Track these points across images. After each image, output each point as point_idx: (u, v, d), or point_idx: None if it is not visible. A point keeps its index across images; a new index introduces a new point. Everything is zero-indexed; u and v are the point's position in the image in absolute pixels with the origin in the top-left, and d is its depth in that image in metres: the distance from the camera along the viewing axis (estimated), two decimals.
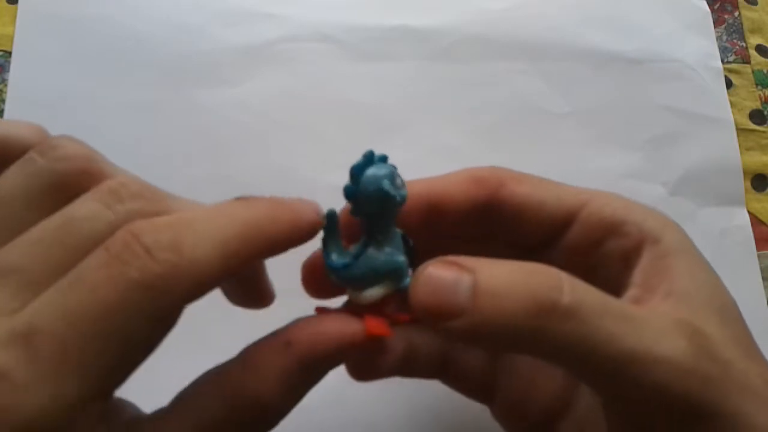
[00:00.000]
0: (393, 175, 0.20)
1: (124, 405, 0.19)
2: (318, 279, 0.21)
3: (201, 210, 0.18)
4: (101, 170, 0.19)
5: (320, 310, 0.20)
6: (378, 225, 0.20)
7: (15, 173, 0.18)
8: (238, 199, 0.18)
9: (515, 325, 0.17)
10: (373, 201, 0.19)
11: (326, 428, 0.29)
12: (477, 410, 0.28)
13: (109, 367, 0.15)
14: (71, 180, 0.18)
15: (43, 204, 0.18)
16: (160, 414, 0.18)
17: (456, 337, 0.18)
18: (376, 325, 0.20)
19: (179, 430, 0.17)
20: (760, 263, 0.35)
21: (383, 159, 0.20)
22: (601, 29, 0.39)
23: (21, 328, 0.15)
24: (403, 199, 0.20)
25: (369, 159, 0.19)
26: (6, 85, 0.33)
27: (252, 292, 0.23)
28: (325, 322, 0.19)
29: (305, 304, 0.21)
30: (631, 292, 0.21)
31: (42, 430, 0.15)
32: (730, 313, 0.20)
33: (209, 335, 0.26)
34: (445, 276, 0.18)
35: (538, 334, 0.17)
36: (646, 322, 0.18)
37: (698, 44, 0.39)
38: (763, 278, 0.35)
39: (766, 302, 0.34)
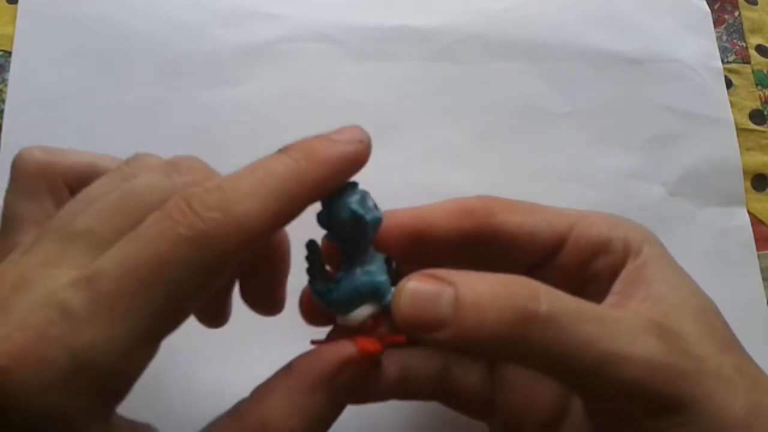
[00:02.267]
0: (364, 198, 0.20)
1: (146, 428, 0.20)
2: (315, 308, 0.22)
3: (244, 170, 0.19)
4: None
5: (315, 343, 0.21)
6: (356, 248, 0.21)
7: (105, 177, 0.20)
8: (280, 150, 0.19)
9: (497, 334, 0.18)
10: (347, 225, 0.20)
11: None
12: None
13: (159, 312, 0.17)
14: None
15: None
16: None
17: (440, 347, 0.19)
18: (366, 342, 0.20)
19: None
20: (760, 263, 0.35)
21: (353, 185, 0.21)
22: (601, 29, 0.39)
23: (88, 272, 0.17)
24: (377, 220, 0.21)
25: (342, 188, 0.20)
26: (6, 85, 0.33)
27: (216, 312, 0.25)
28: (322, 346, 0.20)
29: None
30: (610, 299, 0.22)
31: (95, 361, 0.16)
32: (704, 313, 0.21)
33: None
34: (426, 289, 0.19)
35: (519, 342, 0.18)
36: (619, 323, 0.19)
37: (698, 44, 0.39)
38: (763, 278, 0.35)
39: (766, 302, 0.34)
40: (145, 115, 0.33)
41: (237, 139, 0.34)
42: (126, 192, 0.19)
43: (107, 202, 0.19)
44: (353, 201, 0.20)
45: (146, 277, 0.16)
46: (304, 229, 0.21)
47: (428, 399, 0.25)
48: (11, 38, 0.34)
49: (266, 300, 0.24)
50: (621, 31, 0.39)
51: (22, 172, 0.22)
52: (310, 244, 0.21)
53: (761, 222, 0.36)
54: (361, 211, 0.20)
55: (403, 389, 0.23)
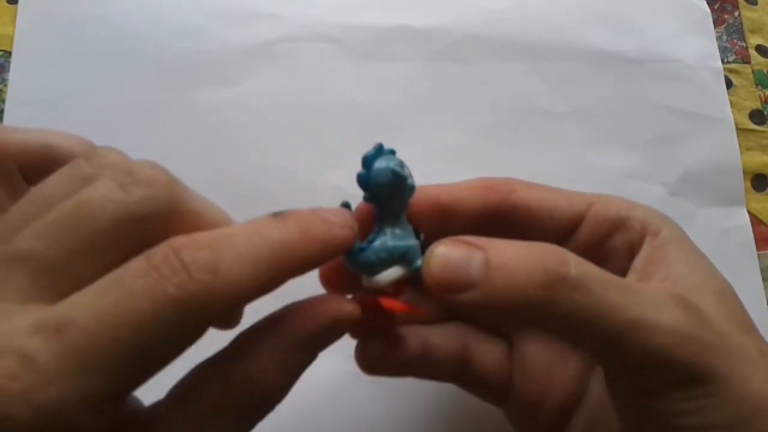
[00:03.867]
0: (402, 164, 0.21)
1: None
2: (335, 273, 0.22)
3: (237, 228, 0.18)
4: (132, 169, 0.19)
5: None
6: (390, 211, 0.21)
7: (60, 176, 0.18)
8: (274, 215, 0.18)
9: (526, 296, 0.18)
10: (385, 186, 0.20)
11: (326, 428, 0.29)
12: (476, 413, 0.28)
13: (131, 371, 0.16)
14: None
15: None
16: (158, 406, 0.18)
17: (469, 308, 0.19)
18: (389, 301, 0.21)
19: (177, 419, 0.17)
20: (760, 263, 0.35)
21: (392, 152, 0.21)
22: (601, 29, 0.39)
23: (54, 319, 0.16)
24: (413, 186, 0.21)
25: (379, 150, 0.21)
26: (6, 85, 0.33)
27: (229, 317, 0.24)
28: (317, 301, 0.20)
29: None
30: (631, 277, 0.22)
31: (57, 418, 0.15)
32: (723, 294, 0.21)
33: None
34: (457, 252, 0.19)
35: (548, 304, 0.18)
36: (645, 294, 0.20)
37: (698, 44, 0.39)
38: (763, 278, 0.35)
39: (766, 302, 0.34)
40: (145, 115, 0.33)
41: (237, 139, 0.34)
42: (78, 205, 0.17)
43: (56, 217, 0.17)
44: (394, 164, 0.20)
45: (124, 336, 0.15)
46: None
47: (446, 380, 0.25)
48: (11, 38, 0.34)
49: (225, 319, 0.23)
50: (621, 31, 0.39)
51: None
52: (346, 205, 0.21)
53: (761, 222, 0.36)
54: (403, 173, 0.20)
55: (423, 365, 0.24)
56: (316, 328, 0.19)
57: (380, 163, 0.20)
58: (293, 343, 0.19)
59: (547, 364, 0.25)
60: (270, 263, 0.17)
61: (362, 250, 0.21)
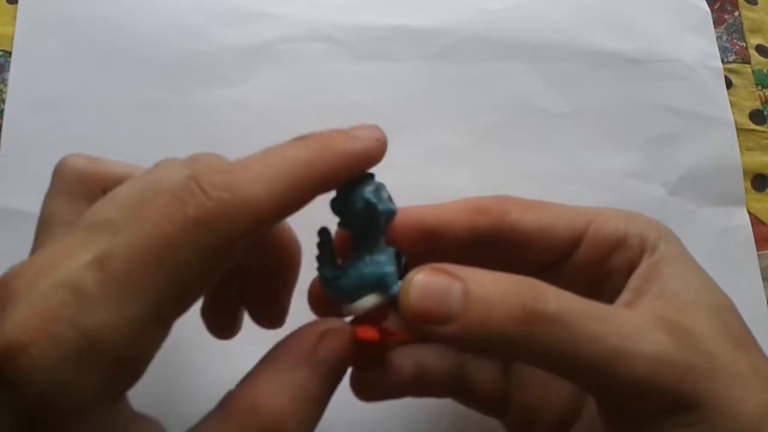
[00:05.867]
0: (379, 190, 0.20)
1: (150, 422, 0.19)
2: (322, 299, 0.22)
3: (257, 153, 0.19)
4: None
5: None
6: (366, 238, 0.21)
7: (131, 179, 0.21)
8: (296, 138, 0.19)
9: (504, 331, 0.18)
10: (359, 214, 0.20)
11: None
12: (474, 422, 0.28)
13: (167, 294, 0.17)
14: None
15: None
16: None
17: (445, 341, 0.19)
18: (365, 330, 0.20)
19: None
20: (760, 263, 0.35)
21: (370, 176, 0.21)
22: (601, 29, 0.39)
23: (100, 253, 0.17)
24: (390, 212, 0.21)
25: (353, 178, 0.20)
26: (6, 85, 0.33)
27: (227, 323, 0.25)
28: (303, 326, 0.20)
29: None
30: (624, 296, 0.22)
31: (106, 341, 0.16)
32: (718, 310, 0.21)
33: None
34: (436, 282, 0.19)
35: (525, 340, 0.19)
36: (627, 321, 0.19)
37: (698, 44, 0.39)
38: (763, 278, 0.35)
39: (766, 302, 0.34)
40: (145, 115, 0.34)
41: (237, 139, 0.34)
42: (146, 184, 0.20)
43: (128, 194, 0.20)
44: (368, 191, 0.20)
45: (153, 258, 0.17)
46: (316, 220, 0.21)
47: (443, 396, 0.25)
48: (11, 38, 0.34)
49: (270, 311, 0.24)
50: (621, 31, 0.39)
51: (62, 176, 0.23)
52: (322, 231, 0.21)
53: (761, 222, 0.36)
54: (374, 201, 0.20)
55: (419, 387, 0.24)
56: (302, 344, 0.19)
57: (355, 191, 0.20)
58: (287, 362, 0.19)
59: (544, 378, 0.24)
60: (288, 180, 0.18)
61: (338, 278, 0.20)
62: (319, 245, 0.21)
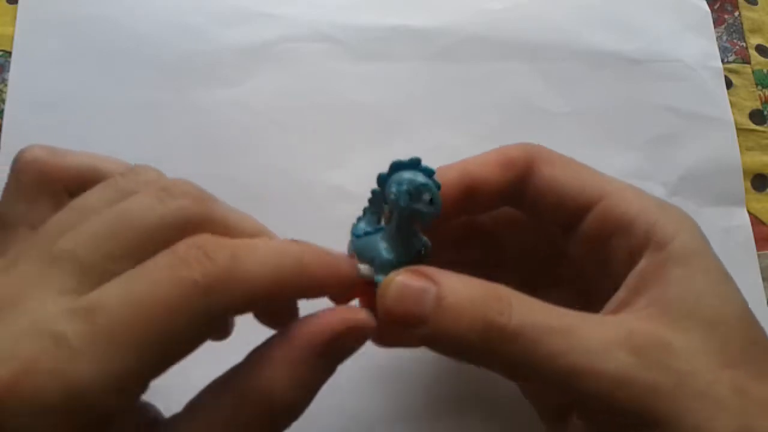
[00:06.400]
0: (420, 190, 0.20)
1: (148, 406, 0.20)
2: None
3: (259, 239, 0.19)
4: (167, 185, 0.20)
5: None
6: (397, 221, 0.21)
7: (99, 189, 0.20)
8: (292, 240, 0.20)
9: (467, 341, 0.19)
10: (390, 202, 0.21)
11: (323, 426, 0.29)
12: (469, 411, 0.28)
13: (155, 355, 0.17)
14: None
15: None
16: (175, 418, 0.19)
17: (419, 342, 0.20)
18: (361, 290, 0.21)
19: (198, 423, 0.18)
20: (760, 263, 0.35)
21: (428, 172, 0.21)
22: (601, 29, 0.39)
23: (85, 305, 0.17)
24: (425, 216, 0.21)
25: (413, 162, 0.21)
26: (6, 85, 0.33)
27: (221, 327, 0.24)
28: (327, 312, 0.20)
29: None
30: (621, 293, 0.22)
31: (88, 396, 0.16)
32: (716, 324, 0.20)
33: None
34: (414, 285, 0.20)
35: (486, 352, 0.19)
36: (593, 337, 0.19)
37: (698, 44, 0.39)
38: (763, 278, 0.35)
39: (766, 302, 0.34)
40: (145, 115, 0.33)
41: (237, 139, 0.34)
42: (118, 215, 0.18)
43: (97, 225, 0.18)
44: (405, 189, 0.20)
45: (152, 320, 0.16)
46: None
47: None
48: (11, 38, 0.34)
49: (277, 317, 0.23)
50: (621, 31, 0.39)
51: (22, 173, 0.22)
52: (374, 192, 0.22)
53: (761, 222, 0.36)
54: (404, 205, 0.20)
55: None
56: (326, 336, 0.19)
57: (396, 179, 0.21)
58: (304, 353, 0.19)
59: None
60: (286, 270, 0.18)
61: (358, 236, 0.22)
62: (370, 200, 0.22)
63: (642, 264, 0.22)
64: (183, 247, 0.17)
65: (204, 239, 0.18)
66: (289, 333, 0.19)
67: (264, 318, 0.23)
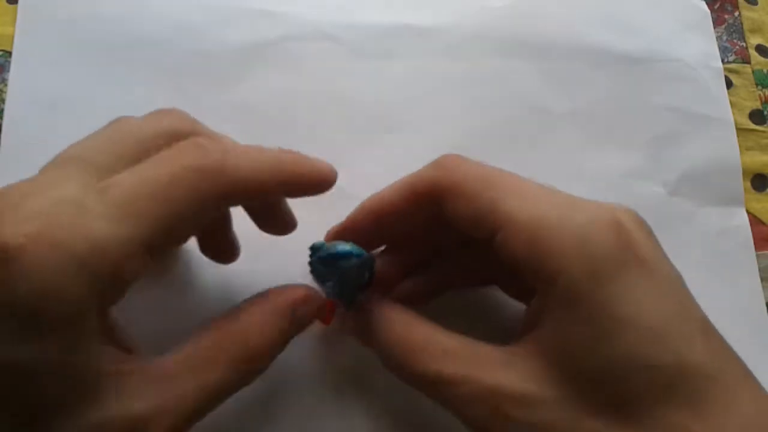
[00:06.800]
0: (344, 280, 0.26)
1: (127, 331, 0.22)
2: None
3: (245, 145, 0.23)
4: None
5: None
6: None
7: (99, 131, 0.24)
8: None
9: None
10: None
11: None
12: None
13: (162, 225, 0.19)
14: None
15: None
16: (162, 355, 0.21)
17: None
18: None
19: (177, 364, 0.21)
20: (759, 263, 0.35)
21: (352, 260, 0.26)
22: (602, 28, 0.39)
23: (102, 184, 0.19)
24: (349, 270, 0.26)
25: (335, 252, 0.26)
26: (6, 85, 0.33)
27: (223, 247, 0.28)
28: (290, 285, 0.24)
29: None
30: (521, 327, 0.24)
31: (105, 254, 0.18)
32: (588, 373, 0.20)
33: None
34: None
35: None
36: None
37: (698, 44, 0.39)
38: (762, 278, 0.35)
39: (765, 302, 0.34)
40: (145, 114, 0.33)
41: (238, 139, 0.33)
42: (115, 128, 0.22)
43: (100, 134, 0.22)
44: (330, 284, 0.26)
45: (157, 191, 0.19)
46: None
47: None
48: (11, 38, 0.34)
49: (222, 252, 0.28)
50: (622, 30, 0.39)
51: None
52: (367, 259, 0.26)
53: (761, 222, 0.36)
54: (332, 296, 0.26)
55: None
56: (290, 300, 0.23)
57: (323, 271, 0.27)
58: (275, 308, 0.23)
59: None
60: (269, 167, 0.22)
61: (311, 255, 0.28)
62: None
63: (535, 298, 0.23)
64: (183, 143, 0.21)
65: (200, 139, 0.21)
66: (266, 294, 0.24)
67: (260, 222, 0.27)
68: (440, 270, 0.29)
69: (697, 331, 0.20)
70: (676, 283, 0.22)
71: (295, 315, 0.23)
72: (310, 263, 0.27)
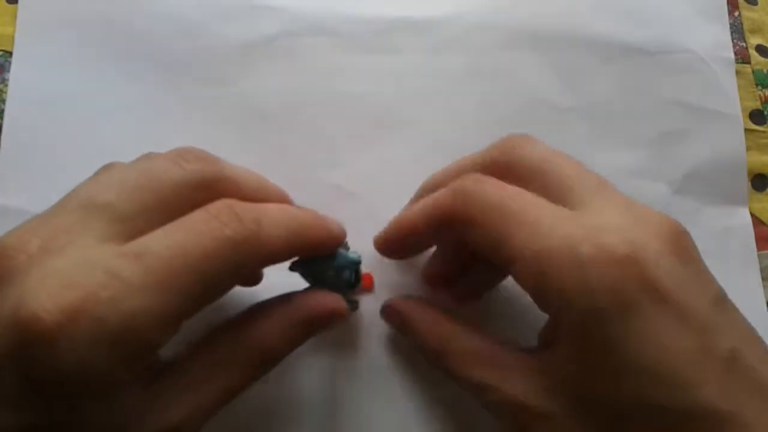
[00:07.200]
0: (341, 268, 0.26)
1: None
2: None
3: (273, 205, 0.23)
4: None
5: None
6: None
7: (121, 165, 0.23)
8: (296, 207, 0.24)
9: None
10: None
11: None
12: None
13: (194, 296, 0.19)
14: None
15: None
16: (178, 355, 0.22)
17: None
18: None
19: (193, 365, 0.21)
20: (760, 263, 0.35)
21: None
22: (610, 17, 0.37)
23: (133, 249, 0.19)
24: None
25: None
26: (6, 85, 0.33)
27: (250, 280, 0.28)
28: (321, 293, 0.25)
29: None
30: (540, 335, 0.25)
31: (140, 327, 0.18)
32: (583, 400, 0.21)
33: None
34: None
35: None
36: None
37: (711, 33, 0.38)
38: (763, 278, 0.35)
39: (765, 302, 0.34)
40: (145, 113, 0.33)
41: (238, 136, 0.33)
42: (142, 172, 0.21)
43: (126, 180, 0.21)
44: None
45: (192, 263, 0.19)
46: None
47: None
48: (11, 38, 0.34)
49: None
50: (630, 19, 0.38)
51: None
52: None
53: (761, 222, 0.36)
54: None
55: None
56: (316, 312, 0.23)
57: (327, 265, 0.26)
58: (298, 318, 0.23)
59: None
60: (295, 233, 0.22)
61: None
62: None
63: (547, 322, 0.24)
64: (216, 206, 0.20)
65: (232, 202, 0.21)
66: (290, 300, 0.24)
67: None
68: (484, 269, 0.29)
69: (716, 367, 0.19)
70: (701, 313, 0.20)
71: (314, 326, 0.24)
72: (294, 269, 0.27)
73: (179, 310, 0.19)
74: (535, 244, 0.21)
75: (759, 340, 0.22)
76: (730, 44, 0.39)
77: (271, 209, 0.22)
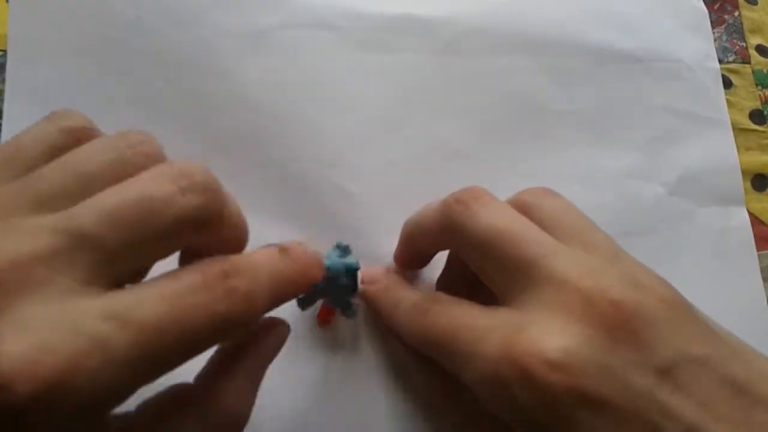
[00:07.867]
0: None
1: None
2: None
3: (260, 258, 0.21)
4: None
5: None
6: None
7: (98, 152, 0.20)
8: (280, 248, 0.22)
9: None
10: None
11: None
12: None
13: (174, 365, 0.18)
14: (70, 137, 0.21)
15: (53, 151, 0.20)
16: (134, 418, 0.20)
17: None
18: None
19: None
20: (760, 263, 0.35)
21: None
22: (604, 26, 0.38)
23: (121, 311, 0.17)
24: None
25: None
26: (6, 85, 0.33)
27: None
28: (269, 325, 0.24)
29: None
30: None
31: (109, 401, 0.17)
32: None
33: None
34: None
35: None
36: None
37: (696, 45, 0.39)
38: (763, 278, 0.35)
39: (766, 302, 0.34)
40: (142, 106, 0.33)
41: (235, 131, 0.33)
42: (143, 200, 0.18)
43: (119, 205, 0.18)
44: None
45: (180, 338, 0.18)
46: None
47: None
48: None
49: None
50: (623, 28, 0.38)
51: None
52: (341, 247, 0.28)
53: (761, 222, 0.36)
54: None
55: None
56: (273, 354, 0.24)
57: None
58: (261, 370, 0.23)
59: None
60: (279, 292, 0.21)
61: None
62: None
63: None
64: (212, 273, 0.19)
65: (228, 268, 0.19)
66: (247, 352, 0.23)
67: None
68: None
69: None
70: (642, 408, 0.19)
71: (269, 358, 0.24)
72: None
73: (154, 378, 0.18)
74: (467, 372, 0.22)
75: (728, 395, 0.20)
76: (716, 57, 0.39)
77: (259, 268, 0.20)
